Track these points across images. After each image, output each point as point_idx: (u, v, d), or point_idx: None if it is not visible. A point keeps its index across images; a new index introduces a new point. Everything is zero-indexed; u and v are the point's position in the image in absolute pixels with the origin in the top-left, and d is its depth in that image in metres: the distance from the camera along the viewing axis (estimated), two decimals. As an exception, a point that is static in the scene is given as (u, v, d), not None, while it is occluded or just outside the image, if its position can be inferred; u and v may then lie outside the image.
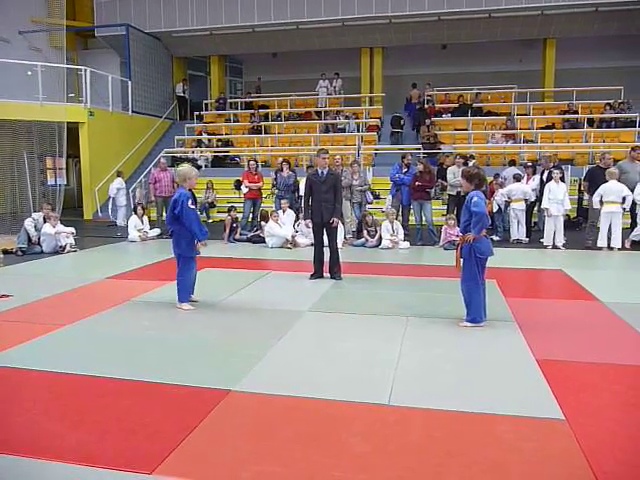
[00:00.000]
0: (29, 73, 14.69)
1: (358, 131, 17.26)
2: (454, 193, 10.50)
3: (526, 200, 10.38)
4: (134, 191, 14.67)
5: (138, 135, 17.85)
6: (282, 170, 11.22)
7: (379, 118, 18.42)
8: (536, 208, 10.99)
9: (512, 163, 12.71)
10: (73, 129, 14.69)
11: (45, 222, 9.57)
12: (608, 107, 16.58)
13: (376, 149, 16.45)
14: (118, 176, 14.09)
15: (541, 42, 19.00)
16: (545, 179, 10.45)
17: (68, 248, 9.48)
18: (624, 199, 9.16)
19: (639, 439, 2.93)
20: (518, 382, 3.68)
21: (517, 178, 10.68)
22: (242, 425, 3.08)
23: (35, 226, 9.58)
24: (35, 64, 14.56)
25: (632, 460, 2.71)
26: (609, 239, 9.26)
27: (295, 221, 10.45)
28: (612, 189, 9.15)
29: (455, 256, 5.04)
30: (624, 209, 9.26)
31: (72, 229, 9.85)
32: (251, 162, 11.58)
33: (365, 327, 4.97)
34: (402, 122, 17.21)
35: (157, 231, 11.13)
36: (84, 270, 8.18)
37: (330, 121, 18.07)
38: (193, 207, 5.46)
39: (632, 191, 9.42)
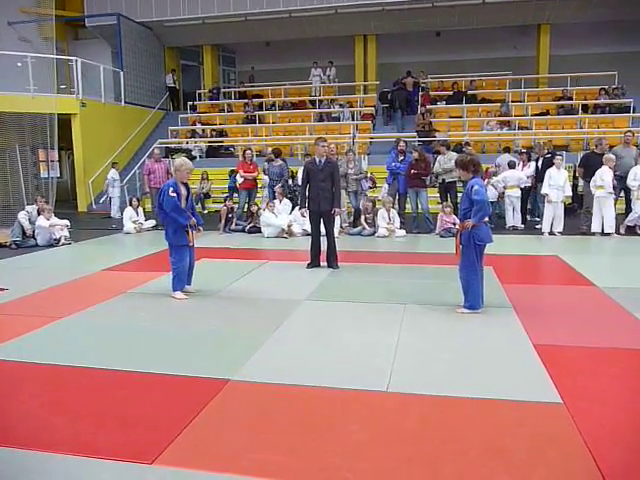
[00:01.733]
0: (19, 64, 14.53)
1: (353, 119, 17.20)
2: (440, 181, 10.51)
3: (521, 187, 10.39)
4: (127, 183, 14.61)
5: (131, 126, 17.73)
6: (272, 160, 11.18)
7: (373, 106, 18.35)
8: (531, 194, 11.00)
9: (506, 150, 12.69)
10: (65, 120, 14.58)
11: (39, 215, 9.51)
12: (602, 93, 16.57)
13: (371, 137, 16.39)
14: (113, 167, 14.01)
15: (535, 28, 18.94)
16: (540, 166, 10.46)
17: (63, 241, 9.43)
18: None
19: (636, 421, 2.95)
20: (515, 367, 3.70)
21: (511, 165, 10.67)
22: (241, 414, 3.08)
23: (29, 219, 9.53)
24: (25, 55, 14.41)
25: (629, 442, 2.73)
26: (603, 224, 9.29)
27: (291, 210, 10.44)
28: (600, 174, 9.17)
29: (455, 243, 5.03)
30: (610, 193, 9.25)
31: (66, 221, 9.79)
32: (247, 152, 11.53)
33: (363, 315, 4.97)
34: (389, 97, 17.35)
35: (152, 222, 11.08)
36: (79, 262, 8.15)
37: (324, 110, 17.99)
38: (174, 195, 5.48)
39: (626, 175, 9.46)
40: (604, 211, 9.27)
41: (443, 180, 10.36)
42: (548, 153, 10.67)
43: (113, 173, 13.88)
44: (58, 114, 13.03)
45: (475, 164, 4.91)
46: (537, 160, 10.79)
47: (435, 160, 11.13)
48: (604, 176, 9.09)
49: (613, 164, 9.24)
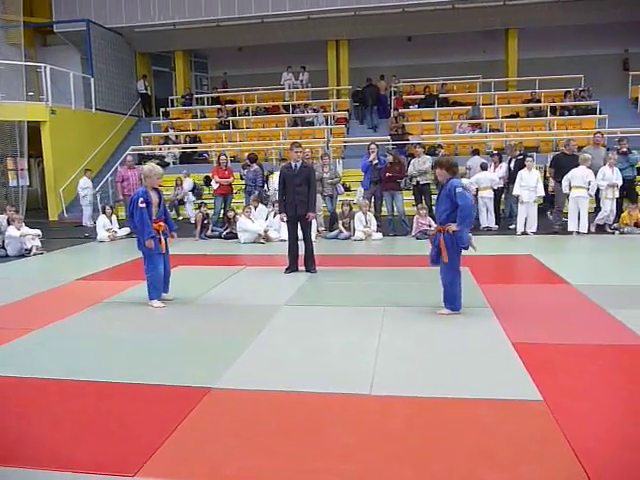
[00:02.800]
0: (-15, 72, 14.23)
1: (327, 124, 17.25)
2: (414, 183, 10.60)
3: (493, 188, 10.54)
4: (100, 191, 14.39)
5: (103, 133, 17.49)
6: (249, 165, 11.14)
7: (347, 110, 18.45)
8: (503, 195, 11.17)
9: (476, 152, 12.86)
10: (35, 128, 14.31)
11: (9, 224, 9.31)
12: (569, 95, 16.95)
13: (345, 141, 16.47)
14: (85, 174, 13.79)
15: (503, 33, 19.28)
16: (512, 167, 10.63)
17: (34, 251, 9.22)
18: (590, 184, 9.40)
19: (615, 416, 3.01)
20: (496, 366, 3.74)
21: (483, 167, 10.83)
22: (225, 422, 3.05)
23: (-1, 229, 9.32)
24: (-8, 62, 14.12)
25: (609, 436, 2.78)
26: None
27: (267, 215, 10.41)
28: (578, 174, 9.36)
29: (440, 247, 4.88)
30: (590, 195, 9.48)
31: (38, 231, 9.59)
32: (222, 157, 11.47)
33: (343, 319, 4.97)
34: (360, 96, 17.86)
35: (126, 230, 10.92)
36: (53, 272, 7.98)
37: (298, 115, 18.02)
38: (143, 206, 5.41)
39: (596, 176, 9.68)
40: (582, 211, 9.44)
41: (417, 182, 10.45)
42: (520, 154, 10.86)
43: (85, 181, 13.65)
44: (27, 122, 12.78)
45: (455, 165, 4.96)
46: (509, 161, 10.96)
47: (409, 163, 11.22)
48: (587, 177, 9.27)
49: (589, 164, 9.42)
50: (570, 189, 9.45)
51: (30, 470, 2.59)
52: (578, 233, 9.44)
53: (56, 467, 2.60)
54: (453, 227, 4.76)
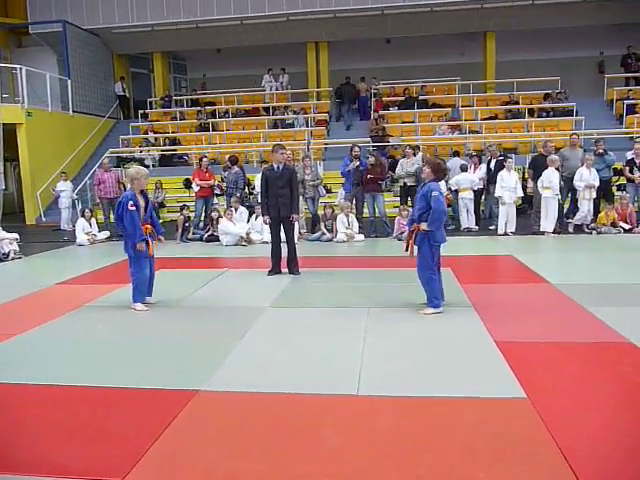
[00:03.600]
0: (-40, 73, 13.97)
1: (307, 126, 17.26)
2: (402, 184, 10.65)
3: (473, 189, 10.66)
4: (79, 194, 14.21)
5: (80, 135, 17.25)
6: (230, 167, 11.09)
7: (327, 112, 18.49)
8: (483, 196, 11.29)
9: (456, 154, 13.00)
10: (10, 131, 14.07)
11: (-14, 229, 9.14)
12: (547, 97, 17.21)
13: (325, 143, 16.50)
14: (61, 177, 13.60)
15: (481, 35, 19.51)
16: (493, 168, 10.73)
17: (12, 255, 9.06)
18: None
19: (599, 412, 3.06)
20: (479, 365, 3.78)
21: (463, 168, 10.95)
22: (212, 425, 3.04)
23: (-25, 233, 9.13)
24: (-34, 63, 13.86)
25: (593, 433, 2.83)
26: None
27: (248, 217, 10.38)
28: (546, 176, 9.50)
29: (408, 243, 5.12)
30: (556, 194, 9.60)
31: (15, 235, 9.43)
32: (203, 159, 11.41)
33: (327, 320, 4.99)
34: (339, 93, 18.50)
35: (106, 233, 10.81)
36: (31, 277, 7.86)
37: (279, 117, 18.00)
38: (133, 209, 5.37)
39: (573, 177, 9.84)
40: (549, 211, 9.59)
41: (405, 184, 10.44)
42: (500, 155, 10.99)
43: (62, 184, 13.46)
44: (3, 124, 12.56)
45: (444, 172, 5.17)
46: (489, 162, 11.06)
47: (390, 165, 11.28)
48: (551, 177, 9.43)
49: (557, 165, 9.59)
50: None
51: (17, 476, 2.55)
52: (556, 232, 9.59)
53: (42, 473, 2.56)
54: (423, 226, 4.92)
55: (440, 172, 5.05)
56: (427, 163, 5.17)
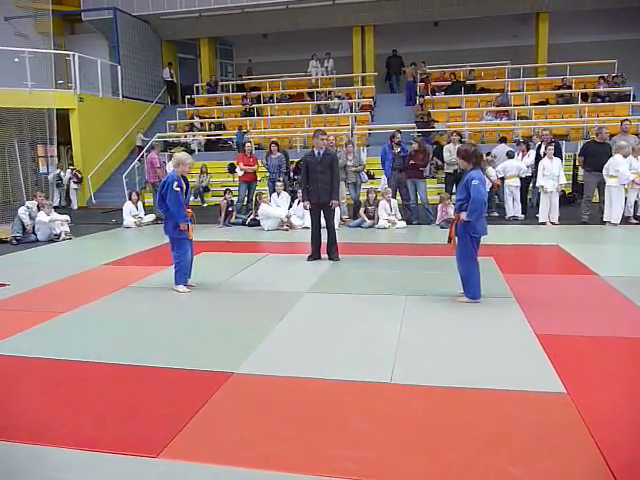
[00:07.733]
0: (16, 60, 14.47)
1: (351, 111, 17.13)
2: (451, 171, 10.43)
3: (520, 177, 10.36)
4: (127, 177, 14.60)
5: (129, 120, 17.67)
6: (271, 152, 11.13)
7: (372, 97, 18.28)
8: (531, 184, 10.95)
9: (502, 140, 12.63)
10: (63, 116, 14.53)
11: (39, 210, 9.50)
12: (602, 81, 16.49)
13: (369, 129, 16.34)
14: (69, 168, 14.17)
15: (534, 17, 18.82)
16: (542, 154, 10.36)
17: (63, 236, 9.43)
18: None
19: (639, 410, 2.95)
20: (519, 357, 3.69)
21: (510, 155, 10.63)
22: (245, 407, 3.08)
23: (29, 214, 9.52)
24: (22, 50, 14.34)
25: (632, 430, 2.74)
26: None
27: (291, 203, 10.42)
28: (612, 163, 9.10)
29: (449, 234, 5.04)
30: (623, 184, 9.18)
31: (66, 217, 9.79)
32: (247, 144, 11.49)
33: (364, 307, 4.97)
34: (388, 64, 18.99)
35: (152, 217, 11.07)
36: (80, 257, 8.14)
37: (323, 102, 17.93)
38: (178, 189, 5.45)
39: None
40: (613, 201, 9.21)
41: (455, 170, 10.18)
42: (552, 141, 10.58)
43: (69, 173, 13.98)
44: (56, 109, 12.98)
45: (477, 156, 4.87)
46: (538, 148, 10.66)
47: (434, 151, 11.04)
48: (618, 165, 9.02)
49: (626, 152, 9.14)
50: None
51: (54, 448, 2.67)
52: (612, 224, 9.20)
53: (80, 446, 2.66)
54: (462, 216, 4.79)
55: (472, 157, 4.84)
56: (458, 153, 5.03)
